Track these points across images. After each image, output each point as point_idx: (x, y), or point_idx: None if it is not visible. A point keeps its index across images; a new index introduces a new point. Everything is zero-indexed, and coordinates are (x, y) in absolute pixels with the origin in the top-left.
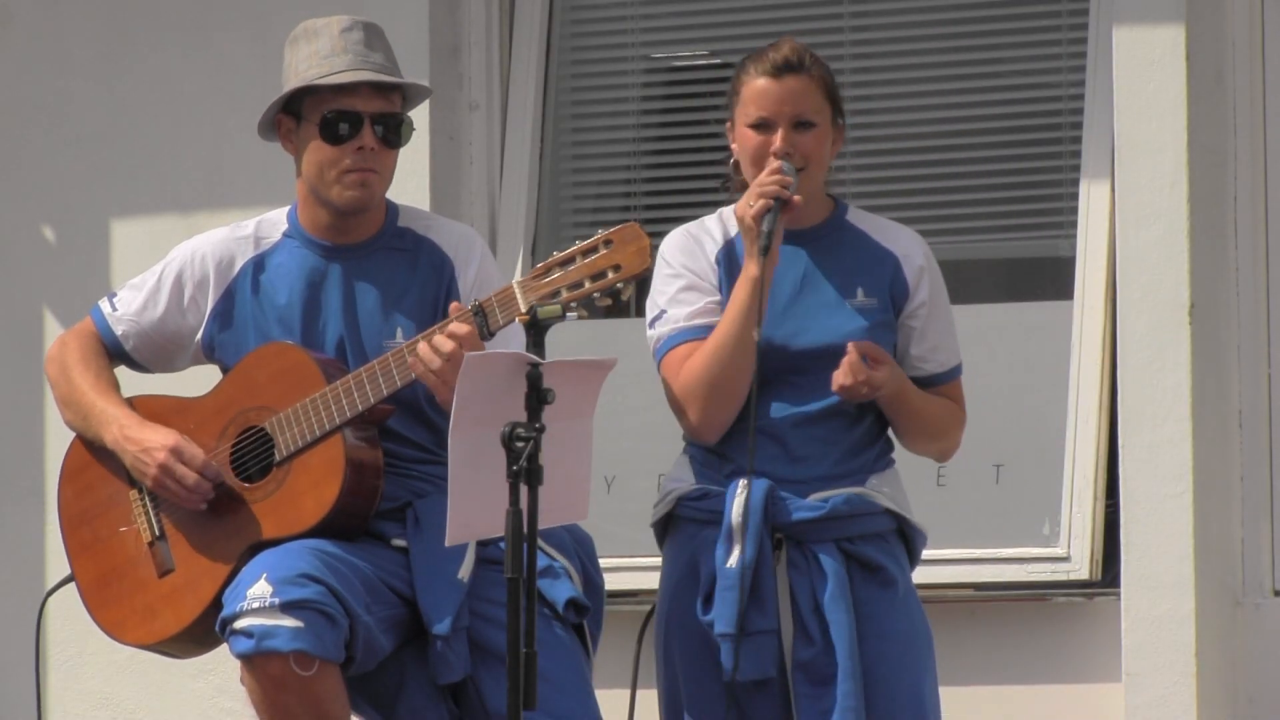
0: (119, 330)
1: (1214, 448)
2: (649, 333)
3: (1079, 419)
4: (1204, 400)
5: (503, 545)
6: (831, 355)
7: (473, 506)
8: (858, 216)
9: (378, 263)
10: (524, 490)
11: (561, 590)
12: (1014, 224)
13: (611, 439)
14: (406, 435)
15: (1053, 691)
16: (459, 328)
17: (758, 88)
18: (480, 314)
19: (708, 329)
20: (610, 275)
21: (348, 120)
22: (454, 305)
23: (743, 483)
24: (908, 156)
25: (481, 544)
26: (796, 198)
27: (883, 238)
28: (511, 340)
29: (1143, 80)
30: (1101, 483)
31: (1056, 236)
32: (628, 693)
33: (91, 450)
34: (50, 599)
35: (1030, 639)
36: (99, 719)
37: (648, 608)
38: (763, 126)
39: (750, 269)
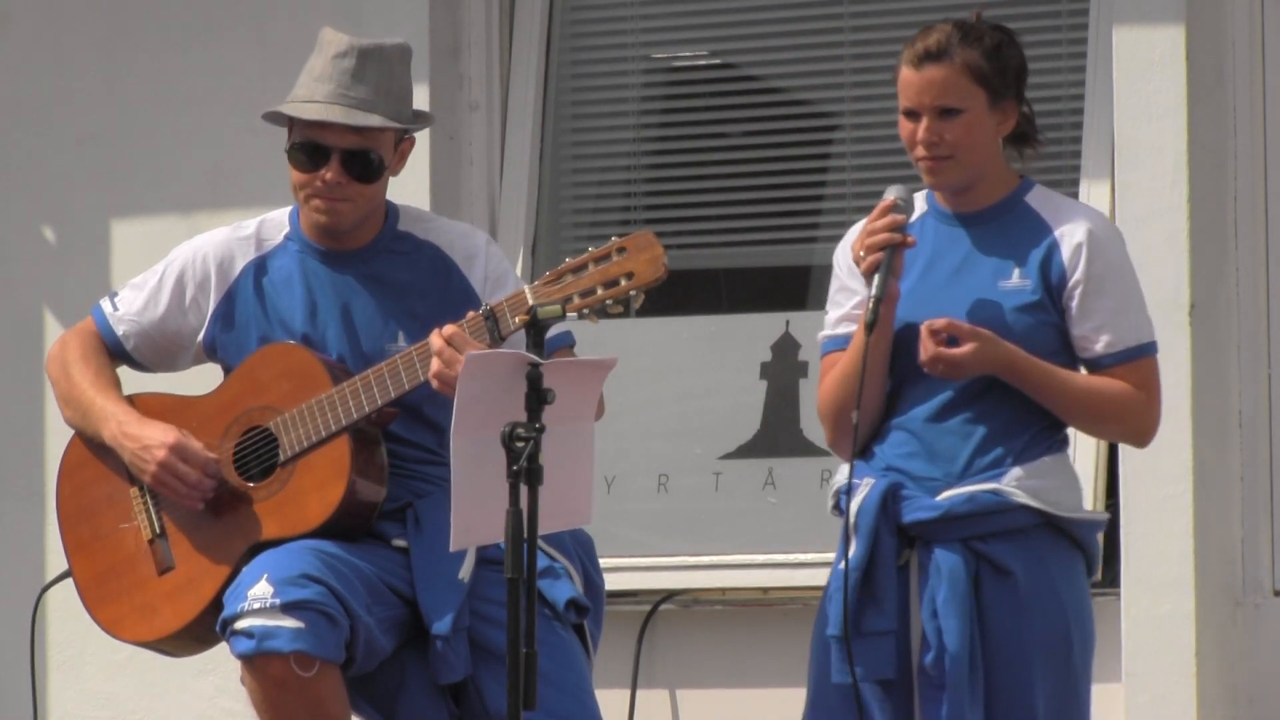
0: (120, 330)
1: (1214, 448)
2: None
3: None
4: (1204, 400)
5: (503, 545)
6: None
7: (476, 511)
8: (1038, 197)
9: (378, 267)
10: (524, 490)
11: (562, 590)
12: None
13: (611, 439)
14: (408, 437)
15: None
16: (447, 328)
17: (903, 78)
18: (491, 318)
19: (848, 340)
20: (623, 283)
21: (314, 151)
22: (469, 314)
23: (866, 480)
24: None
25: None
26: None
27: (1051, 216)
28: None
29: (1143, 80)
30: (1101, 483)
31: None
32: (628, 693)
33: (90, 447)
34: (50, 598)
35: None
36: (99, 719)
37: (648, 608)
38: (910, 115)
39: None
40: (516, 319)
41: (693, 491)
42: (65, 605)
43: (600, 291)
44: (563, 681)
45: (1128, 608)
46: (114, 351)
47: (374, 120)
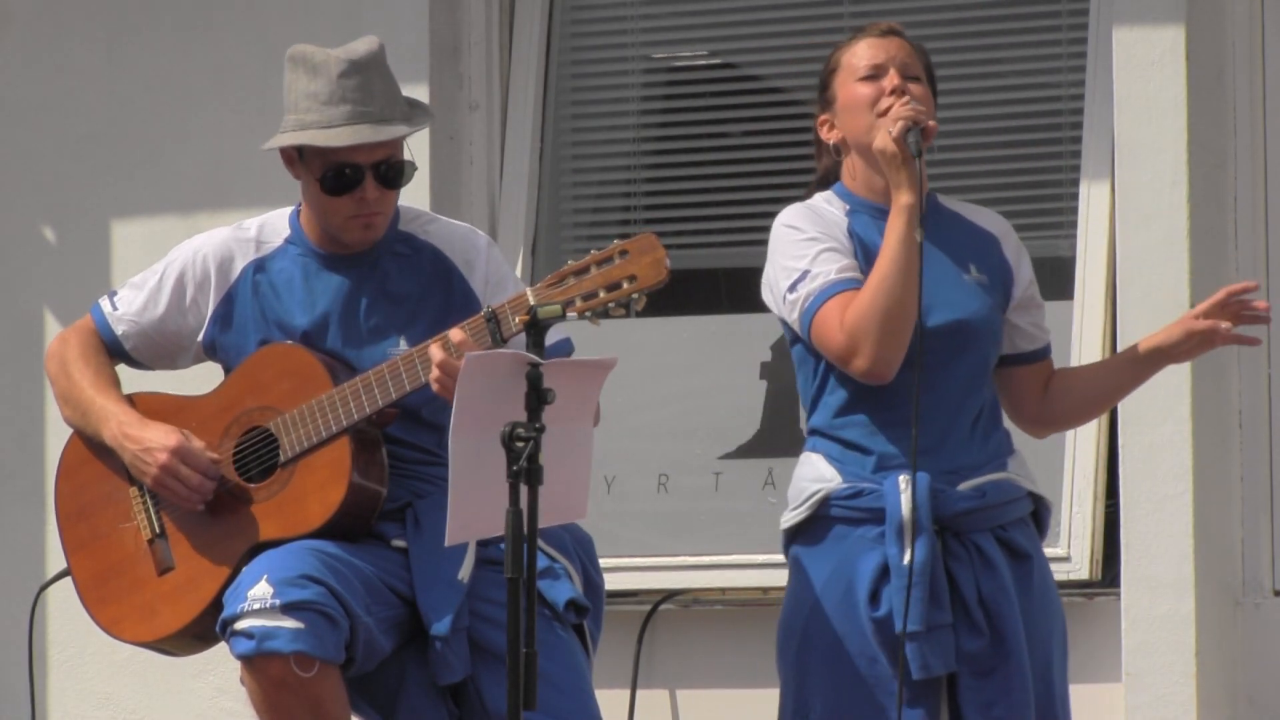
0: (119, 330)
1: (1214, 448)
2: (789, 297)
3: None
4: (1204, 400)
5: (503, 546)
6: (960, 333)
7: (472, 507)
8: (946, 200)
9: (378, 271)
10: (524, 490)
11: (561, 591)
12: (1014, 224)
13: (611, 439)
14: (407, 438)
15: None
16: (454, 333)
17: (864, 46)
18: (493, 320)
19: (860, 282)
20: (625, 286)
21: (348, 174)
22: (472, 318)
23: (904, 477)
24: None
25: (481, 544)
26: (933, 122)
27: (976, 219)
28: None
29: (1143, 80)
30: (1101, 483)
31: (1056, 236)
32: (628, 693)
33: (90, 446)
34: (50, 598)
35: None
36: (99, 719)
37: (648, 608)
38: (875, 76)
39: (902, 197)
40: (517, 319)
41: (693, 491)
42: (65, 605)
43: (603, 294)
44: (562, 682)
45: (1128, 608)
46: (112, 351)
47: (400, 130)
